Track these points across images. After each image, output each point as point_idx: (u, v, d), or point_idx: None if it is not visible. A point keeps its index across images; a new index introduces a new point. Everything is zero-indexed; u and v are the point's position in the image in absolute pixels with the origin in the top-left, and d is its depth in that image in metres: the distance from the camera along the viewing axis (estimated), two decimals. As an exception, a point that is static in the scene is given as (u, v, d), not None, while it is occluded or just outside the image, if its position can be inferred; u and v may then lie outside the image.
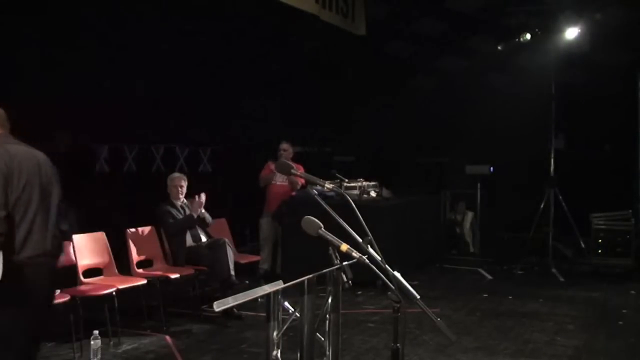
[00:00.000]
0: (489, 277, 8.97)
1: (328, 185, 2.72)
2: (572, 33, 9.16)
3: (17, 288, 3.20)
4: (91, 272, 5.85)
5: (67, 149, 7.95)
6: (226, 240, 6.69)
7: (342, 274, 2.47)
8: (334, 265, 2.55)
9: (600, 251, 9.01)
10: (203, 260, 6.54)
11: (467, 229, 11.03)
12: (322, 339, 2.53)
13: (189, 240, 6.71)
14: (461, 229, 11.03)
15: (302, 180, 7.57)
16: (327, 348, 2.53)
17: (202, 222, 6.85)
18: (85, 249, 5.74)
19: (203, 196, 6.71)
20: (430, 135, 12.28)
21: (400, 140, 12.57)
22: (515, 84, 10.83)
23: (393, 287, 2.42)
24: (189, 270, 6.44)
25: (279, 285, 2.44)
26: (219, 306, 2.38)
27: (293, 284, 2.39)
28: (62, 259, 4.06)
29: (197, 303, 6.57)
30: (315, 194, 2.63)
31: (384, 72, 12.31)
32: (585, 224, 9.15)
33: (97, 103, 7.74)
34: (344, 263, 2.46)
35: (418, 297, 2.44)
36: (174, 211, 6.74)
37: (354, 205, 2.53)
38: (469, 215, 11.11)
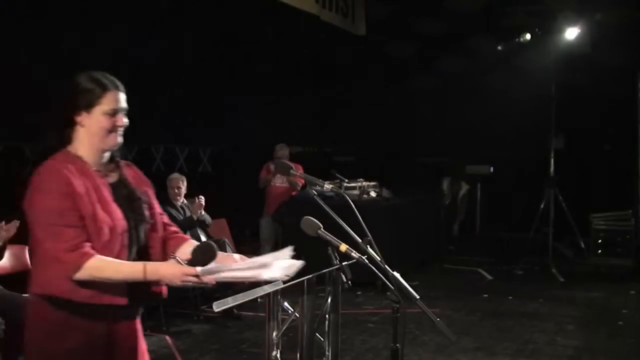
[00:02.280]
0: (489, 277, 8.96)
1: (327, 185, 2.72)
2: (572, 33, 9.16)
3: None
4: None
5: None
6: (226, 240, 6.69)
7: (341, 274, 2.47)
8: (334, 266, 2.55)
9: (600, 251, 9.01)
10: (203, 260, 6.52)
11: (459, 199, 10.97)
12: (322, 339, 2.53)
13: (188, 241, 6.70)
14: (455, 201, 11.01)
15: (302, 181, 7.58)
16: (327, 348, 2.53)
17: (202, 224, 6.85)
18: (85, 249, 5.73)
19: (202, 198, 6.70)
20: (430, 135, 12.28)
21: (400, 140, 12.57)
22: (515, 84, 10.82)
23: (392, 288, 2.42)
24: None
25: (278, 285, 2.44)
26: (218, 306, 2.39)
27: (293, 284, 2.39)
28: None
29: (197, 303, 6.57)
30: (315, 195, 2.63)
31: (383, 72, 12.31)
32: (585, 224, 9.14)
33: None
34: (344, 263, 2.46)
35: (417, 297, 2.44)
36: (173, 212, 6.74)
37: (353, 206, 2.53)
38: (464, 188, 11.05)
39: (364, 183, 8.57)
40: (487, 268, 9.40)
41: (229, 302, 2.41)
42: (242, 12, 9.15)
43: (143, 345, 2.59)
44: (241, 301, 2.39)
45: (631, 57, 9.70)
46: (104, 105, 2.38)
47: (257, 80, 10.28)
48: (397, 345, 2.49)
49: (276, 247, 8.26)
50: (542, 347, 5.63)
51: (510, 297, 7.55)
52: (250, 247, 8.95)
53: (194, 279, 2.27)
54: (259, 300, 2.64)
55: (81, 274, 2.28)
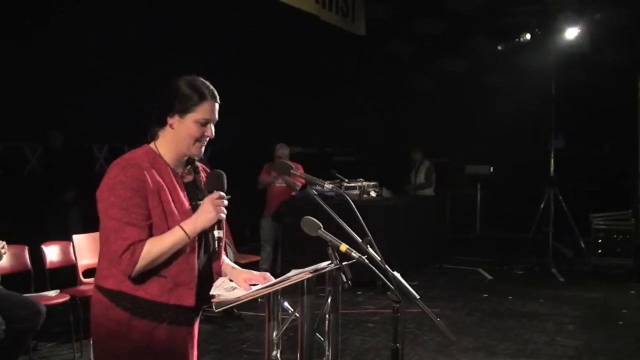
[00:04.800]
0: (489, 277, 8.97)
1: (328, 185, 2.72)
2: (572, 33, 9.17)
3: None
4: (91, 272, 5.84)
5: (63, 148, 7.96)
6: (226, 240, 6.68)
7: (341, 274, 2.47)
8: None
9: (600, 251, 9.00)
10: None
11: (422, 179, 10.24)
12: (322, 339, 2.53)
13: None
14: (414, 179, 10.27)
15: (302, 181, 7.57)
16: (327, 348, 2.53)
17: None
18: (86, 249, 5.73)
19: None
20: (429, 136, 12.29)
21: (399, 140, 12.57)
22: (515, 84, 10.83)
23: (392, 287, 2.42)
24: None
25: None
26: (218, 306, 2.39)
27: (293, 284, 2.39)
28: None
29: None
30: (315, 194, 2.63)
31: (383, 72, 12.32)
32: (585, 224, 9.14)
33: (97, 102, 7.75)
34: (343, 263, 2.46)
35: (417, 297, 2.44)
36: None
37: (353, 206, 2.53)
38: (425, 164, 10.32)
39: (364, 183, 8.57)
40: (487, 268, 9.41)
41: (229, 302, 2.41)
42: (243, 11, 9.15)
43: (195, 352, 2.59)
44: (241, 301, 2.39)
45: (631, 57, 9.70)
46: (198, 113, 2.40)
47: (256, 80, 10.28)
48: (397, 345, 2.48)
49: (276, 247, 8.29)
50: (542, 347, 5.63)
51: (510, 297, 7.55)
52: (250, 247, 8.95)
53: (223, 201, 2.39)
54: (259, 300, 2.64)
55: (137, 268, 2.28)
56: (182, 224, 2.34)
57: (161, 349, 2.39)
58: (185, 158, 2.51)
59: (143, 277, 2.32)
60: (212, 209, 2.36)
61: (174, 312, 2.40)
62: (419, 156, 10.44)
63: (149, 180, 2.34)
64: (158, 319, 2.37)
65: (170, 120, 2.41)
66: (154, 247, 2.30)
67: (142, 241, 2.29)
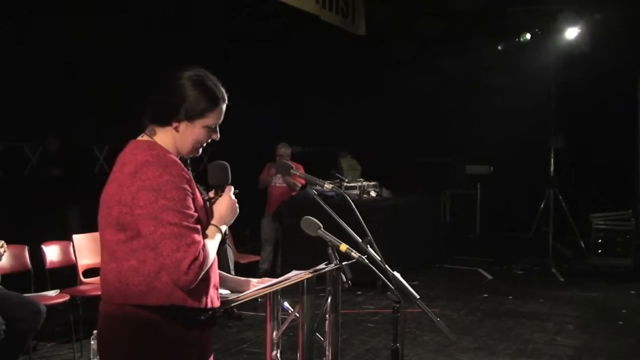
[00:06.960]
0: (489, 277, 8.96)
1: (328, 185, 2.72)
2: (572, 33, 9.18)
3: None
4: (91, 272, 5.84)
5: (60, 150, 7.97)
6: (226, 240, 6.68)
7: (341, 274, 2.47)
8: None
9: (600, 251, 9.00)
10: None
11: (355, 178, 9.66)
12: (322, 339, 2.54)
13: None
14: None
15: (302, 181, 7.58)
16: (327, 348, 2.53)
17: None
18: (86, 249, 5.73)
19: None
20: (430, 135, 12.29)
21: (400, 140, 12.57)
22: (515, 84, 10.83)
23: (392, 287, 2.42)
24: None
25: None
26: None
27: (293, 284, 2.40)
28: None
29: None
30: (315, 194, 2.63)
31: (384, 72, 12.31)
32: (585, 224, 9.14)
33: (97, 102, 7.76)
34: (343, 263, 2.46)
35: (418, 297, 2.44)
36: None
37: (353, 206, 2.53)
38: (348, 161, 10.14)
39: (364, 183, 8.57)
40: (487, 268, 9.40)
41: (229, 301, 2.41)
42: (244, 12, 9.15)
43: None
44: (241, 301, 2.39)
45: (631, 57, 9.70)
46: (209, 119, 2.20)
47: (256, 80, 10.28)
48: (397, 345, 2.49)
49: (277, 247, 8.29)
50: (542, 347, 5.63)
51: (510, 297, 7.55)
52: (250, 247, 8.94)
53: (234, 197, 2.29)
54: (259, 300, 2.64)
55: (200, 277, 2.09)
56: (215, 223, 2.23)
57: (206, 355, 2.28)
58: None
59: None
60: (236, 206, 2.28)
61: (211, 315, 2.24)
62: (343, 153, 10.53)
63: (190, 177, 2.15)
64: (205, 325, 2.22)
65: (175, 124, 2.17)
66: (210, 252, 2.14)
67: (204, 246, 2.11)
